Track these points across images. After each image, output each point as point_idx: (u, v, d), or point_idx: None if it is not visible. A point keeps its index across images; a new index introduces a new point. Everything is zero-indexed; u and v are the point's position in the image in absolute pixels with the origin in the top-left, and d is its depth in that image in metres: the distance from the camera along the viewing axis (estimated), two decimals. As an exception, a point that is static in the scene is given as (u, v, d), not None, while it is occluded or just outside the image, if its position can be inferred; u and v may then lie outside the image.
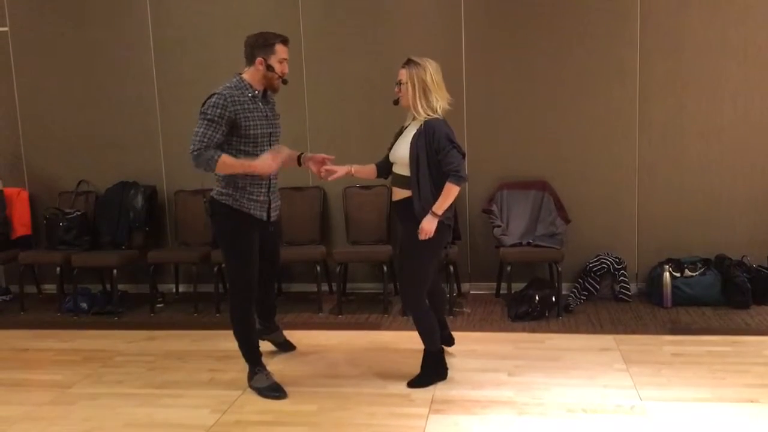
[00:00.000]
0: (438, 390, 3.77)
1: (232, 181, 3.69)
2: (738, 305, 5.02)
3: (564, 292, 5.25)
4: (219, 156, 3.55)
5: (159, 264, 5.68)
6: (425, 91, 3.68)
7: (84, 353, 4.62)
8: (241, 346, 3.89)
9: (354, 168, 3.99)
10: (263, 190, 3.77)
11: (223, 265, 3.96)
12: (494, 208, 5.47)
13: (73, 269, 5.56)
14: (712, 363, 4.01)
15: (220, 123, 3.56)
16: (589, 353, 4.25)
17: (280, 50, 3.70)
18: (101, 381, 4.12)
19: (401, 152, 3.73)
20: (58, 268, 5.63)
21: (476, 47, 5.52)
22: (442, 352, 3.96)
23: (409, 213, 3.69)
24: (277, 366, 4.20)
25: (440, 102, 3.72)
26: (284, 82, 3.77)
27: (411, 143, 3.67)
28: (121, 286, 5.67)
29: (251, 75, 3.72)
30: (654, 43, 5.33)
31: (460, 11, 5.50)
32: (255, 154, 3.67)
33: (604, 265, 5.35)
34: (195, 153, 3.55)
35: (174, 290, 6.07)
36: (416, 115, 3.72)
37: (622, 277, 5.33)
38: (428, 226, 3.62)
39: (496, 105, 5.54)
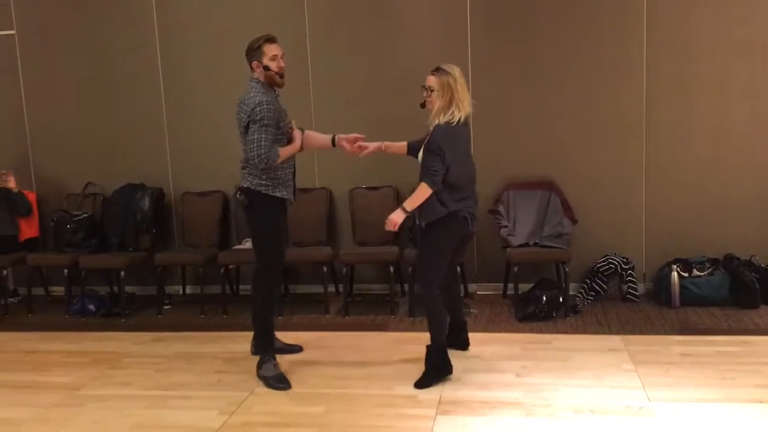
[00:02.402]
0: (445, 391, 3.76)
1: (266, 171, 3.95)
2: (746, 305, 4.99)
3: (571, 293, 5.23)
4: (278, 150, 3.93)
5: (166, 266, 5.69)
6: (452, 98, 3.86)
7: (92, 355, 4.64)
8: (259, 328, 4.09)
9: (385, 144, 4.23)
10: (290, 171, 4.10)
11: (254, 248, 4.20)
12: (501, 208, 5.46)
13: (80, 271, 5.58)
14: (721, 363, 3.99)
15: (272, 126, 3.88)
16: (597, 354, 4.24)
17: (268, 49, 3.94)
18: (109, 383, 4.13)
19: (419, 156, 3.95)
20: (65, 270, 5.64)
21: (482, 48, 5.51)
22: (445, 348, 3.98)
23: (427, 212, 3.86)
24: (283, 368, 4.20)
25: (463, 104, 3.88)
26: (281, 76, 3.99)
27: (423, 149, 3.89)
28: (128, 288, 5.69)
29: (265, 78, 3.98)
30: (661, 43, 5.31)
31: (465, 11, 5.49)
32: (282, 145, 4.00)
33: (611, 266, 5.34)
34: (264, 155, 3.85)
35: (181, 292, 6.08)
36: (432, 122, 3.90)
37: (629, 278, 5.32)
38: (395, 217, 3.85)
39: (502, 105, 5.53)
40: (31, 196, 6.03)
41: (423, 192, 3.80)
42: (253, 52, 3.95)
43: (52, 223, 5.88)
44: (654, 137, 5.41)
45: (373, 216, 5.65)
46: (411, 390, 3.79)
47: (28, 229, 6.01)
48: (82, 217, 5.82)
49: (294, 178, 4.15)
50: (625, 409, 3.46)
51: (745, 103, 5.29)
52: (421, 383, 3.86)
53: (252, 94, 3.91)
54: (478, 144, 5.55)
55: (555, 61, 5.45)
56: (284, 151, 3.99)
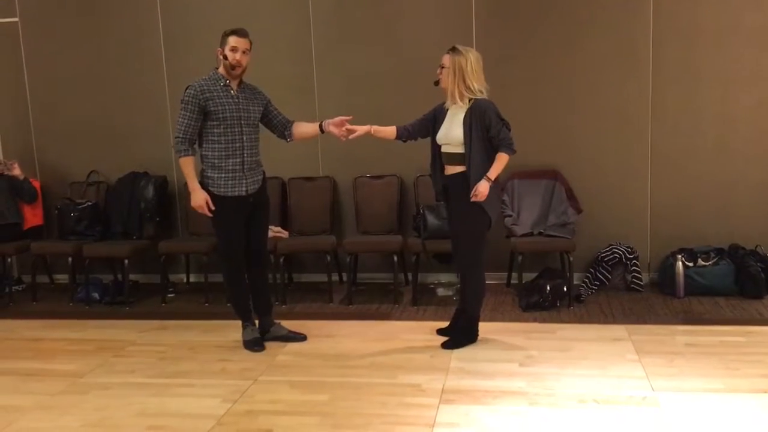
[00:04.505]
0: (449, 380, 3.76)
1: (209, 161, 4.20)
2: (752, 295, 4.98)
3: (575, 282, 5.23)
4: (185, 155, 4.16)
5: (170, 254, 5.69)
6: (464, 78, 4.01)
7: (96, 343, 4.65)
8: (232, 304, 4.50)
9: (374, 128, 4.28)
10: (237, 168, 4.20)
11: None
12: (505, 197, 5.44)
13: (84, 259, 5.59)
14: (726, 353, 3.98)
15: (194, 110, 4.14)
16: (601, 343, 4.23)
17: (231, 40, 4.16)
18: (113, 370, 4.14)
19: (455, 134, 4.05)
20: (69, 259, 5.64)
21: (487, 36, 5.47)
22: (477, 320, 4.31)
23: (463, 183, 4.05)
24: (287, 356, 4.22)
25: (478, 88, 4.04)
26: (233, 68, 4.17)
27: (464, 123, 4.01)
28: (132, 276, 5.69)
29: (221, 68, 4.24)
30: (667, 30, 5.27)
31: (470, -1, 5.47)
32: (225, 135, 4.17)
33: (616, 255, 5.32)
34: (175, 139, 4.19)
35: (185, 280, 6.08)
36: (452, 99, 4.07)
37: (634, 267, 5.30)
38: (483, 188, 4.00)
39: (507, 94, 5.47)
40: (35, 185, 6.03)
41: (504, 160, 4.03)
42: (221, 40, 4.20)
43: (56, 212, 5.88)
44: (659, 126, 5.38)
45: (377, 205, 5.66)
46: (415, 379, 3.79)
47: (32, 217, 6.02)
48: (85, 205, 5.82)
49: (245, 171, 4.22)
50: (628, 399, 3.45)
51: (752, 92, 5.25)
52: (450, 345, 4.22)
53: (197, 79, 4.21)
54: (482, 133, 5.54)
55: (560, 49, 5.41)
56: (188, 171, 4.16)
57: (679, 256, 5.15)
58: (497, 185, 4.16)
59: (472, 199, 4.00)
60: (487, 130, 4.00)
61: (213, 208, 4.19)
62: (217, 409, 3.53)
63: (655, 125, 5.39)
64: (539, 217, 5.38)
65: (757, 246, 5.25)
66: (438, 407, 3.45)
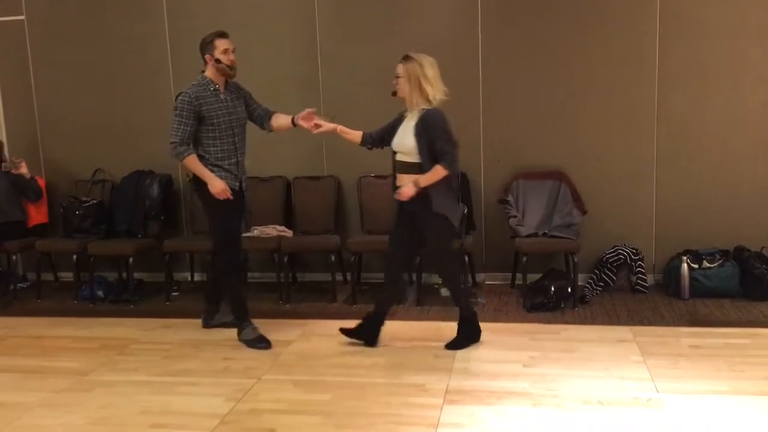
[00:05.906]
0: (452, 380, 3.76)
1: (207, 162, 4.28)
2: (757, 297, 4.96)
3: (580, 283, 5.21)
4: (189, 154, 4.22)
5: (174, 252, 5.69)
6: (420, 85, 3.97)
7: (100, 341, 4.66)
8: (232, 302, 4.48)
9: (340, 128, 4.32)
10: (233, 167, 4.32)
11: (210, 231, 4.58)
12: (510, 198, 5.44)
13: (89, 257, 5.60)
14: (731, 355, 3.97)
15: (189, 117, 4.18)
16: (606, 345, 4.22)
17: (220, 43, 4.21)
18: (117, 369, 4.15)
19: (407, 142, 4.01)
20: (74, 256, 5.65)
21: (493, 36, 5.46)
22: (475, 315, 4.29)
23: (439, 200, 4.00)
24: (290, 356, 4.22)
25: (435, 94, 3.97)
26: (231, 68, 4.23)
27: (416, 133, 3.97)
28: (136, 275, 5.69)
29: (210, 72, 4.28)
30: (674, 31, 5.26)
31: (476, -1, 5.47)
32: (220, 139, 4.27)
33: (620, 256, 5.31)
34: (171, 145, 4.22)
35: (189, 279, 6.09)
36: (410, 106, 4.05)
37: (639, 269, 5.29)
38: (407, 190, 3.98)
39: (512, 94, 5.50)
40: (41, 182, 6.04)
41: (438, 173, 3.93)
42: (206, 46, 4.22)
43: (61, 209, 5.89)
44: (665, 127, 5.37)
45: (382, 205, 5.64)
46: (418, 379, 3.79)
47: (37, 215, 6.04)
48: (90, 203, 5.83)
49: (238, 170, 4.34)
50: (633, 401, 3.45)
51: (759, 93, 5.23)
52: (452, 346, 4.19)
53: (188, 86, 4.23)
54: (487, 133, 5.55)
55: (566, 50, 5.40)
56: (196, 166, 4.21)
57: (684, 257, 5.14)
58: (453, 191, 4.10)
59: (395, 198, 4.04)
60: (432, 142, 3.94)
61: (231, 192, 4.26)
62: (221, 408, 3.53)
63: (660, 126, 5.37)
64: (544, 217, 5.38)
65: (762, 248, 5.23)
66: (442, 407, 3.45)
